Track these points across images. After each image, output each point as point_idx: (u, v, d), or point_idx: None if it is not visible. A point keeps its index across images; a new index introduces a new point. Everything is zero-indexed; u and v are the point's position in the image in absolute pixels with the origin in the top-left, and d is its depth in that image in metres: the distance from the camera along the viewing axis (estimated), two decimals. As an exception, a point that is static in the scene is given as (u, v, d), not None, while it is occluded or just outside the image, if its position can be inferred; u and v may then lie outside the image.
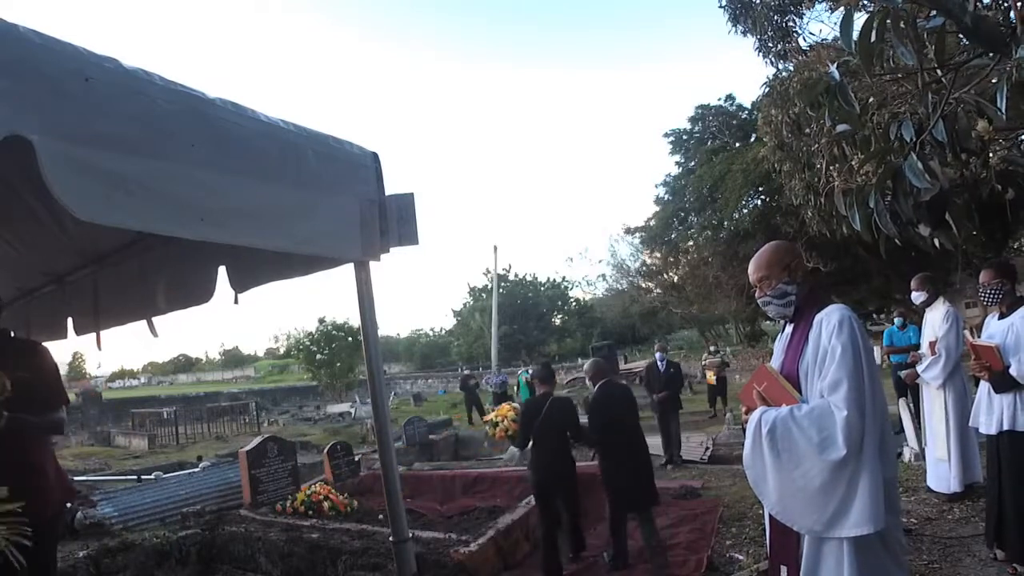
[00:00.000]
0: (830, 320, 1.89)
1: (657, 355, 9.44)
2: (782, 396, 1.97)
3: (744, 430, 2.08)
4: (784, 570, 2.01)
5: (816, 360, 1.90)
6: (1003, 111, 1.46)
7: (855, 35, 1.48)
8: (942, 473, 4.85)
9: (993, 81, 1.60)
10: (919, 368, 5.06)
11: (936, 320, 4.96)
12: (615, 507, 4.44)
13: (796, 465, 1.85)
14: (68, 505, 6.00)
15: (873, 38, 1.41)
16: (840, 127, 1.81)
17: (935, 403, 4.95)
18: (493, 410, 8.97)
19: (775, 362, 2.14)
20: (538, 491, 4.47)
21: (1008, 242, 15.06)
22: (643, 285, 34.48)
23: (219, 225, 1.58)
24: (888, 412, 2.05)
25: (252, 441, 6.57)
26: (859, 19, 1.65)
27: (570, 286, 48.19)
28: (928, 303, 5.07)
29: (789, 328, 2.11)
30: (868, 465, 1.76)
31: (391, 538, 2.02)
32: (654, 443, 9.00)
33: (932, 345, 4.90)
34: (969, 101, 1.50)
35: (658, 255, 30.62)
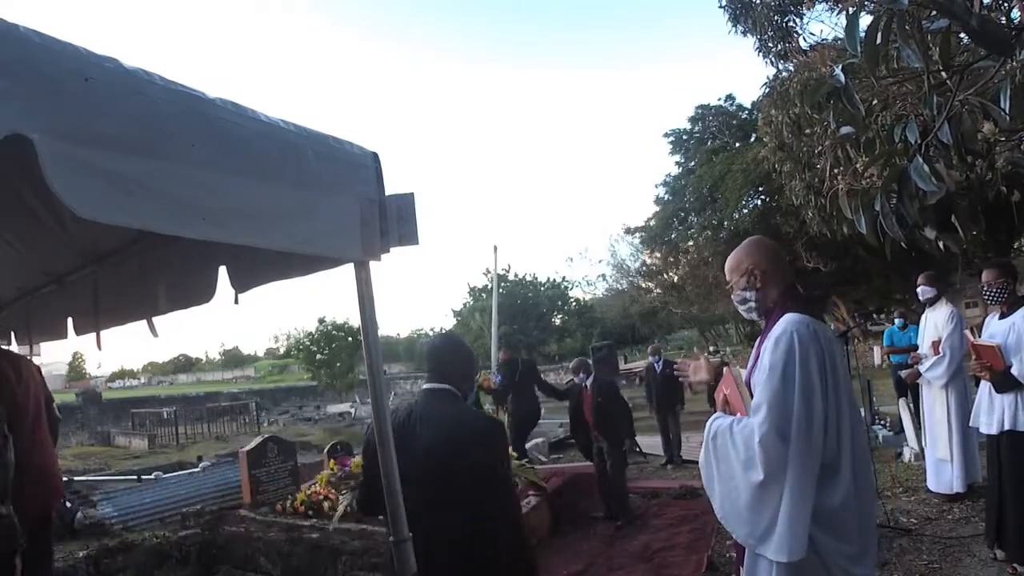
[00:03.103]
0: (773, 334, 1.81)
1: (651, 358, 9.42)
2: (737, 404, 1.93)
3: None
4: (743, 571, 2.00)
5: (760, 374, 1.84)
6: (1007, 112, 1.46)
7: (859, 37, 1.48)
8: (944, 474, 4.85)
9: (995, 82, 1.60)
10: (922, 368, 5.07)
11: (939, 320, 4.97)
12: (617, 463, 5.58)
13: (730, 477, 1.84)
14: (67, 505, 6.03)
15: (879, 40, 1.41)
16: (844, 129, 1.81)
17: (937, 403, 4.96)
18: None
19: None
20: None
21: (1013, 244, 15.03)
22: (643, 285, 34.45)
23: (220, 225, 1.57)
24: (860, 434, 1.90)
25: (252, 441, 6.56)
26: (861, 21, 1.64)
27: (570, 286, 48.11)
28: (932, 302, 5.08)
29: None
30: (792, 493, 1.68)
31: (391, 538, 2.01)
32: (654, 443, 9.02)
33: (936, 345, 4.90)
34: (974, 103, 1.50)
35: (658, 255, 30.58)
